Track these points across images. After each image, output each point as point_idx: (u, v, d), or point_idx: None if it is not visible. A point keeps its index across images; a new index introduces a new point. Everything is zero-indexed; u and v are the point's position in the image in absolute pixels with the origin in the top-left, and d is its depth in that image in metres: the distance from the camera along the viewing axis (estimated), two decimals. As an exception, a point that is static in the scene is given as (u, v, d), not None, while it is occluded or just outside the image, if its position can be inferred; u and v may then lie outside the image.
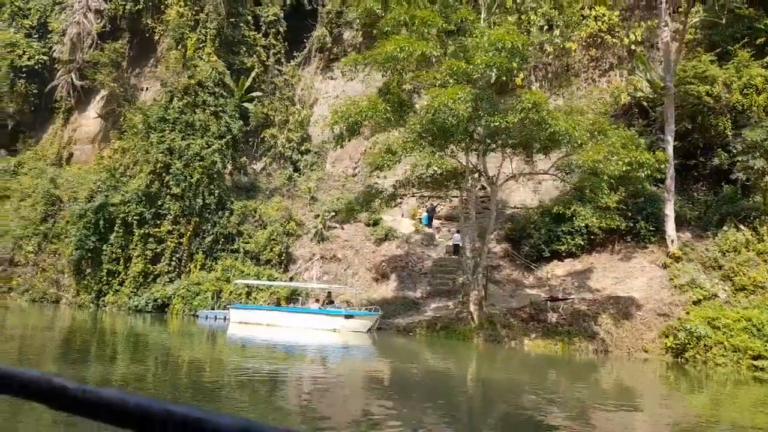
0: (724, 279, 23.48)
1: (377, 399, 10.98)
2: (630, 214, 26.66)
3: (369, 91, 40.97)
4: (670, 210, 25.09)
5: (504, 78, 21.13)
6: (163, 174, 28.71)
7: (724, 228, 25.36)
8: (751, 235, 24.35)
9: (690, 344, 20.26)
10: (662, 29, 25.17)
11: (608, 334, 22.01)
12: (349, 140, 23.55)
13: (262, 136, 38.24)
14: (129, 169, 30.83)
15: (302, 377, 13.34)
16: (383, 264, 29.82)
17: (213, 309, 26.63)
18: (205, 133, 29.74)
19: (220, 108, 30.65)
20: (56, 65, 42.70)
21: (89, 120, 45.58)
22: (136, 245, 28.55)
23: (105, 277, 28.69)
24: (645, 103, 31.24)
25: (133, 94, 43.24)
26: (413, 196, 26.24)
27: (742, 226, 24.96)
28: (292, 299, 27.05)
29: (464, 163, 21.49)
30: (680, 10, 28.13)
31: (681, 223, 26.23)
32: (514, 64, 18.86)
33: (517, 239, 29.54)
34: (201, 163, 29.04)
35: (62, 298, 31.64)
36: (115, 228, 28.36)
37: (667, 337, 21.51)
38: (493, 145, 21.62)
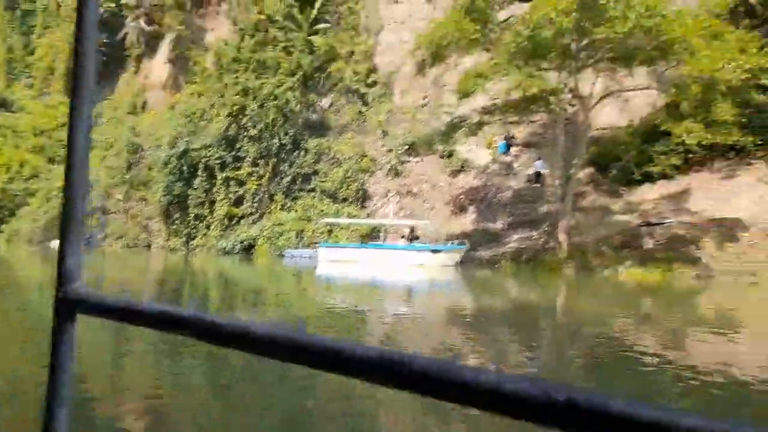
0: None
1: (461, 334, 10.74)
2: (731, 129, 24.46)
3: (437, 14, 39.03)
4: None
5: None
6: (240, 116, 28.82)
7: None
8: None
9: (807, 267, 18.76)
10: None
11: (711, 258, 20.70)
12: (431, 67, 22.43)
13: (328, 70, 37.44)
14: (206, 113, 31.15)
15: (388, 313, 13.31)
16: (461, 197, 29.20)
17: (297, 248, 27.18)
18: (276, 71, 29.36)
19: (290, 43, 30.02)
20: (123, 12, 43.03)
21: (159, 66, 46.17)
22: (219, 189, 29.23)
23: (192, 221, 29.76)
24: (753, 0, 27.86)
25: (200, 36, 43.19)
26: (499, 122, 24.96)
27: None
28: (373, 236, 27.13)
29: (556, 82, 19.97)
30: None
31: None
32: None
33: (603, 163, 27.93)
34: (275, 102, 28.87)
35: (153, 242, 33.29)
36: (198, 173, 29.06)
37: (781, 260, 20.02)
38: (590, 60, 19.91)
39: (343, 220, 26.64)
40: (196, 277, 21.47)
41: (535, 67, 18.28)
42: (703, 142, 21.14)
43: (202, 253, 29.42)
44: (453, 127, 23.39)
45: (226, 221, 29.12)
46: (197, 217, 29.75)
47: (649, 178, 26.36)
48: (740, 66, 17.38)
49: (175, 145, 29.74)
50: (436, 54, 20.61)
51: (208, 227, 29.82)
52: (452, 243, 24.05)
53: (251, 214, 29.18)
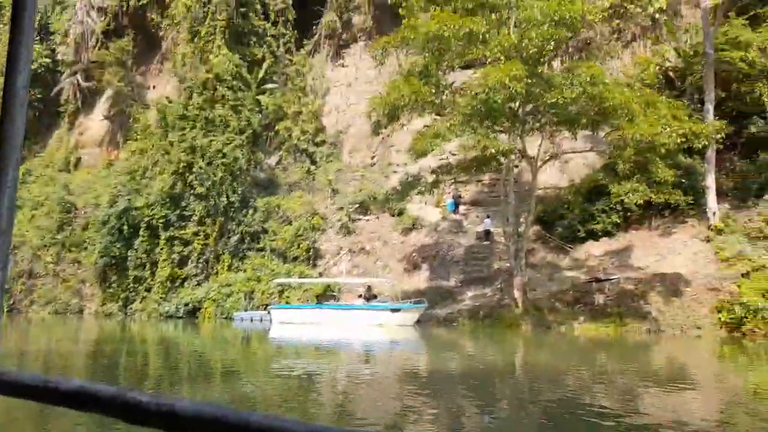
0: (772, 250, 22.92)
1: (422, 394, 10.47)
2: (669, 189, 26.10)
3: (383, 78, 40.17)
4: (711, 181, 24.46)
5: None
6: (186, 174, 27.99)
7: (766, 197, 24.78)
8: (796, 202, 23.76)
9: (747, 318, 19.74)
10: (702, -7, 24.30)
11: (659, 312, 21.47)
12: (386, 127, 22.81)
13: (276, 129, 37.41)
14: (149, 171, 30.07)
15: (348, 375, 12.81)
16: (414, 254, 29.23)
17: (247, 310, 26.06)
18: (225, 129, 28.97)
19: (239, 102, 29.84)
20: (60, 67, 41.69)
21: (95, 122, 44.72)
22: (161, 249, 27.90)
23: (131, 284, 28.08)
24: (671, 74, 30.48)
25: (140, 93, 42.37)
26: (454, 181, 25.45)
27: (784, 195, 24.36)
28: (327, 295, 26.47)
29: (507, 144, 20.75)
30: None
31: (717, 195, 25.60)
32: (567, 36, 18.11)
33: (548, 221, 28.90)
34: (223, 160, 28.31)
35: (86, 308, 31.07)
36: (140, 232, 27.69)
37: (719, 312, 20.98)
38: (537, 124, 20.91)
39: (297, 280, 25.93)
40: (134, 345, 19.99)
41: (489, 129, 18.97)
42: (650, 201, 22.32)
43: (141, 318, 27.63)
44: (408, 186, 23.59)
45: (168, 283, 27.67)
46: (137, 279, 28.13)
47: (592, 235, 27.44)
48: (675, 131, 18.67)
49: (114, 204, 28.33)
50: (391, 115, 21.02)
51: (148, 290, 28.20)
52: (410, 301, 23.80)
53: (196, 275, 27.92)
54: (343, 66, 41.70)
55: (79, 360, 15.12)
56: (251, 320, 25.09)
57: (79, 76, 40.93)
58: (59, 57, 41.22)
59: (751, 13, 26.90)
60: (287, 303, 25.33)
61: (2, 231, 0.67)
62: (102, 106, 44.47)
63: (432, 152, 19.63)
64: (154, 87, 43.32)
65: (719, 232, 24.18)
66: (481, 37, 17.98)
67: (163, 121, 29.55)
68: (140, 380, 11.29)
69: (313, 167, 36.56)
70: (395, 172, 36.61)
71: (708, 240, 24.19)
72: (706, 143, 20.01)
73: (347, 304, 24.25)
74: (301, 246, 29.05)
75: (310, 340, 20.07)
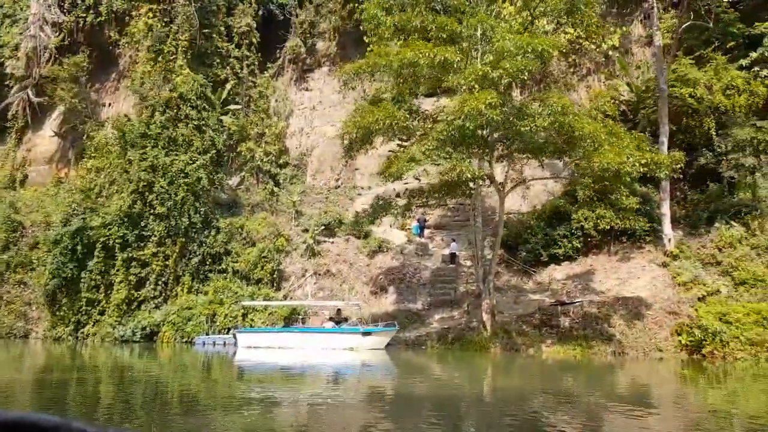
0: (723, 274, 24.05)
1: (397, 418, 10.40)
2: (625, 216, 27.12)
3: (348, 102, 40.46)
4: (666, 209, 25.58)
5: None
6: (146, 193, 27.02)
7: (716, 225, 26.07)
8: (745, 230, 25.09)
9: (706, 340, 20.50)
10: (656, 33, 25.78)
11: (623, 335, 22.04)
12: (359, 150, 22.84)
13: (238, 150, 36.86)
14: (105, 189, 28.90)
15: (324, 400, 12.51)
16: (380, 277, 29.09)
17: (208, 334, 25.14)
18: (188, 148, 28.28)
19: (203, 122, 29.25)
20: (8, 81, 39.91)
21: (45, 139, 42.91)
22: (118, 270, 26.69)
23: (84, 307, 26.64)
24: (624, 107, 31.94)
25: (94, 110, 41.00)
26: (423, 205, 25.58)
27: (733, 222, 25.71)
28: (292, 319, 25.88)
29: (477, 170, 21.13)
30: (666, 13, 28.84)
31: (671, 223, 26.76)
32: (536, 68, 18.76)
33: (512, 245, 29.40)
34: (186, 180, 27.54)
35: (32, 331, 29.27)
36: (96, 253, 26.40)
37: (679, 334, 21.74)
38: (505, 151, 21.41)
39: (263, 303, 25.25)
40: (85, 372, 18.75)
41: (462, 154, 19.26)
42: (611, 227, 23.06)
43: (93, 342, 26.19)
44: (379, 208, 23.58)
45: (124, 306, 26.39)
46: (89, 301, 26.71)
47: (554, 259, 28.10)
48: (637, 160, 19.49)
49: (68, 223, 26.98)
50: (363, 139, 21.09)
51: (101, 313, 26.81)
52: (381, 324, 23.55)
53: (154, 297, 26.78)
54: (307, 90, 41.74)
55: (24, 390, 14.08)
56: (213, 344, 24.17)
57: (29, 91, 39.28)
58: (8, 71, 39.47)
59: (696, 54, 28.67)
60: (252, 326, 24.57)
61: None
62: (53, 122, 42.77)
63: (404, 175, 19.68)
64: (110, 104, 42.06)
65: (674, 257, 25.22)
66: (455, 65, 18.39)
67: (122, 139, 28.58)
68: (89, 413, 10.53)
69: (276, 189, 36.12)
70: (359, 194, 36.66)
71: (664, 265, 25.17)
72: (667, 173, 20.93)
73: (317, 328, 23.76)
74: (265, 268, 28.43)
75: (278, 365, 19.48)
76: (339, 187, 37.47)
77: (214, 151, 29.37)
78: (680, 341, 21.48)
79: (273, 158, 38.12)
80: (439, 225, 33.70)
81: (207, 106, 29.79)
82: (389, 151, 27.94)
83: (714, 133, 27.56)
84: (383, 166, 23.26)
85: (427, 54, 17.96)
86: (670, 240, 25.61)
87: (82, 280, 26.53)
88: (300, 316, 25.95)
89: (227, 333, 24.63)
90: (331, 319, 24.18)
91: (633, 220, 22.77)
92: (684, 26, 26.81)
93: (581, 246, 27.89)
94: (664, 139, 25.20)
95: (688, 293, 23.35)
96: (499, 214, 24.11)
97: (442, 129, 18.25)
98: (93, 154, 31.46)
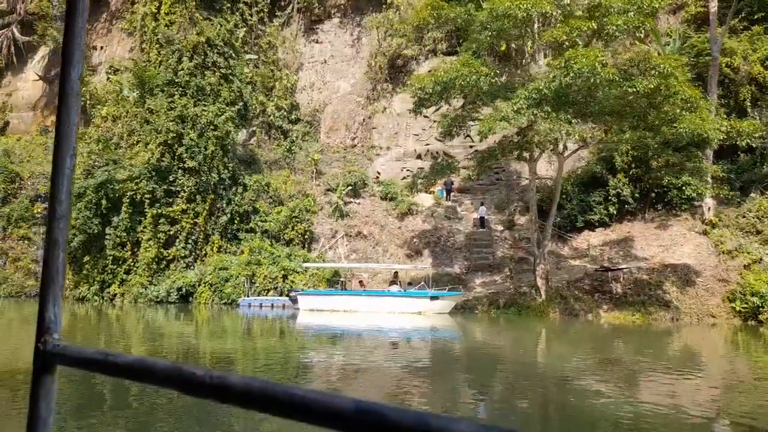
0: (764, 243, 24.65)
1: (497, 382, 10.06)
2: (663, 183, 27.37)
3: (361, 58, 38.82)
4: (707, 178, 25.84)
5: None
6: (175, 146, 25.11)
7: (751, 195, 26.61)
8: (781, 200, 25.69)
9: (763, 307, 21.01)
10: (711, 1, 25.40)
11: (679, 301, 22.35)
12: (428, 108, 21.70)
13: (251, 103, 34.92)
14: (123, 140, 26.74)
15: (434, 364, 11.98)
16: (414, 240, 28.47)
17: (248, 295, 23.99)
18: (216, 99, 26.39)
19: (230, 71, 27.29)
20: (-11, 17, 36.19)
21: (27, 83, 39.53)
22: (145, 228, 24.94)
23: (110, 266, 24.85)
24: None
25: (85, 53, 37.86)
26: (487, 166, 24.64)
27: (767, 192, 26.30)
28: (332, 282, 25.01)
29: (563, 130, 20.08)
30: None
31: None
32: (647, 23, 18.05)
33: (545, 210, 29.22)
34: (215, 132, 25.77)
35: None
36: (123, 208, 24.50)
37: (731, 301, 22.23)
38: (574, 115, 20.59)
39: (328, 265, 24.22)
40: (137, 339, 16.91)
41: (551, 114, 18.35)
42: (623, 195, 23.06)
43: (123, 303, 24.58)
44: (437, 169, 22.70)
45: (154, 265, 24.80)
46: (115, 260, 24.96)
47: (589, 225, 28.18)
48: (719, 127, 19.29)
49: (91, 175, 24.86)
50: (441, 95, 19.97)
51: (127, 272, 25.15)
52: (447, 288, 23.03)
53: (184, 256, 25.25)
54: (317, 42, 39.75)
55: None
56: (261, 306, 23.09)
57: (14, 28, 35.75)
58: (-10, 4, 35.76)
59: (730, 23, 28.69)
60: (297, 288, 23.47)
61: (63, 215, 0.74)
62: (36, 65, 39.36)
63: (491, 132, 18.68)
64: (102, 48, 38.97)
65: (713, 226, 25.65)
66: (553, 19, 17.49)
67: (140, 87, 26.37)
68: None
69: (292, 146, 34.61)
70: (378, 155, 35.58)
71: (705, 233, 25.57)
72: (748, 141, 20.93)
73: (384, 291, 22.98)
74: (296, 228, 27.27)
75: (349, 329, 18.67)
76: (355, 146, 36.22)
77: (242, 104, 27.55)
78: (733, 308, 21.98)
79: (285, 113, 36.41)
80: (463, 189, 33.12)
81: (234, 54, 27.76)
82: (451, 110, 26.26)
83: (749, 104, 27.88)
84: (443, 125, 22.22)
85: (524, 6, 16.95)
86: (709, 209, 25.99)
87: (107, 237, 24.64)
88: (341, 279, 25.12)
89: (283, 295, 23.47)
90: (393, 282, 23.47)
91: (719, 188, 22.77)
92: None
93: (616, 213, 28.04)
94: (712, 108, 25.21)
95: (733, 261, 23.82)
96: (558, 179, 23.70)
97: (541, 87, 17.43)
98: (105, 103, 28.92)
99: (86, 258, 24.79)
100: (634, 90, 17.15)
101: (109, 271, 24.87)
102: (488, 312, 23.09)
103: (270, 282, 24.52)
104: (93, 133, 27.16)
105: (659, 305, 22.17)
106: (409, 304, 21.44)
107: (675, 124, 18.98)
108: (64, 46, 0.79)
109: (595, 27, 17.24)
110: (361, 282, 24.64)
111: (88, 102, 31.91)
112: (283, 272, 24.63)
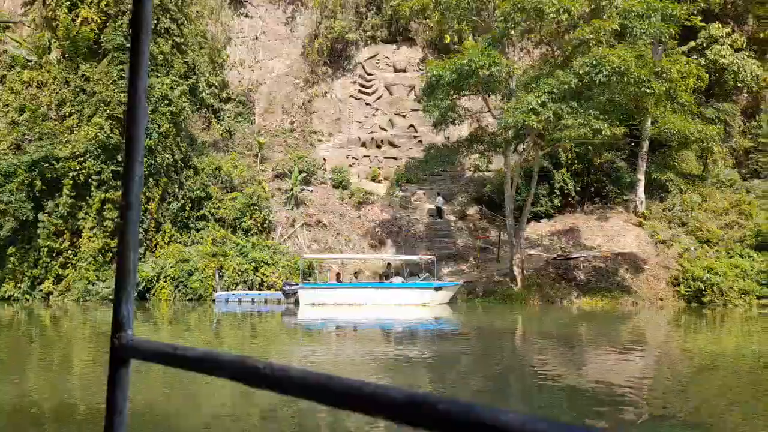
0: (688, 234, 27.89)
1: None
2: (602, 178, 29.84)
3: (297, 33, 36.91)
4: (641, 175, 28.62)
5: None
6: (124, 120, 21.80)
7: (671, 191, 29.96)
8: (698, 195, 29.25)
9: (705, 290, 23.81)
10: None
11: (636, 287, 24.49)
12: (440, 97, 21.07)
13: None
14: (52, 111, 22.62)
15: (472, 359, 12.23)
16: (376, 229, 27.94)
17: (218, 290, 21.77)
18: (169, 71, 23.49)
19: (183, 39, 24.42)
20: None
21: None
22: (87, 215, 21.47)
23: (43, 259, 20.97)
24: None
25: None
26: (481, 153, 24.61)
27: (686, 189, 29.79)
28: (306, 274, 23.65)
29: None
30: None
31: (628, 188, 29.98)
32: (670, 29, 19.10)
33: (495, 201, 30.31)
34: (169, 108, 22.96)
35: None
36: (65, 191, 20.73)
37: (676, 285, 24.89)
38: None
39: (332, 256, 22.60)
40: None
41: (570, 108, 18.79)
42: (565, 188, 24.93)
43: (63, 302, 20.92)
44: (433, 156, 22.42)
45: (100, 258, 21.47)
46: (50, 252, 21.19)
47: (536, 216, 29.79)
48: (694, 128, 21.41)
49: (21, 151, 20.71)
50: (454, 83, 19.65)
51: (63, 266, 21.51)
52: (445, 279, 22.83)
53: (134, 248, 22.16)
54: (246, 16, 37.08)
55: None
56: (239, 301, 21.06)
57: None
58: None
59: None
60: (288, 281, 21.75)
61: (134, 220, 0.80)
62: None
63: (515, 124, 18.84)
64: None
65: (645, 218, 28.50)
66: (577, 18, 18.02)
67: (72, 50, 22.65)
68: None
69: (226, 126, 32.04)
70: (320, 140, 34.26)
71: (640, 225, 28.31)
72: (714, 142, 23.36)
73: (391, 283, 22.01)
74: (254, 217, 25.39)
75: (362, 323, 17.81)
76: (294, 130, 34.50)
77: (195, 78, 24.86)
78: (678, 291, 24.63)
79: (215, 91, 33.54)
80: (408, 179, 33.16)
81: (186, 22, 24.88)
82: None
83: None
84: (432, 113, 21.92)
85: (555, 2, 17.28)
86: (642, 202, 28.81)
87: (39, 225, 20.71)
88: (314, 272, 23.88)
89: (254, 289, 21.57)
90: (397, 273, 22.74)
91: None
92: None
93: (560, 205, 29.98)
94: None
95: (669, 250, 26.68)
96: (534, 170, 24.62)
97: (571, 80, 17.85)
98: (29, 64, 24.25)
99: (11, 249, 20.65)
100: (651, 92, 18.46)
101: (42, 265, 21.02)
102: (468, 301, 23.44)
103: (239, 275, 22.53)
104: (11, 100, 22.56)
105: (621, 290, 24.15)
106: (415, 296, 20.97)
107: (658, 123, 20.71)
108: (131, 58, 0.80)
109: (617, 28, 18.15)
110: (338, 275, 23.61)
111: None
112: (254, 264, 22.77)
